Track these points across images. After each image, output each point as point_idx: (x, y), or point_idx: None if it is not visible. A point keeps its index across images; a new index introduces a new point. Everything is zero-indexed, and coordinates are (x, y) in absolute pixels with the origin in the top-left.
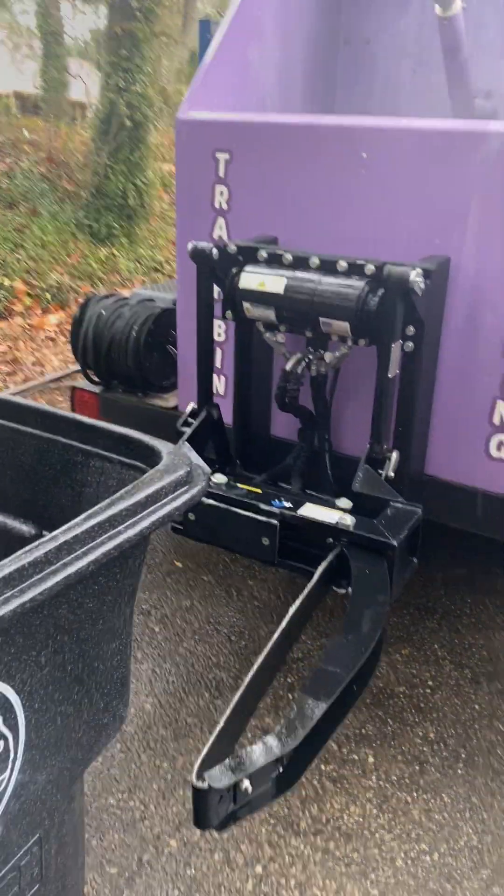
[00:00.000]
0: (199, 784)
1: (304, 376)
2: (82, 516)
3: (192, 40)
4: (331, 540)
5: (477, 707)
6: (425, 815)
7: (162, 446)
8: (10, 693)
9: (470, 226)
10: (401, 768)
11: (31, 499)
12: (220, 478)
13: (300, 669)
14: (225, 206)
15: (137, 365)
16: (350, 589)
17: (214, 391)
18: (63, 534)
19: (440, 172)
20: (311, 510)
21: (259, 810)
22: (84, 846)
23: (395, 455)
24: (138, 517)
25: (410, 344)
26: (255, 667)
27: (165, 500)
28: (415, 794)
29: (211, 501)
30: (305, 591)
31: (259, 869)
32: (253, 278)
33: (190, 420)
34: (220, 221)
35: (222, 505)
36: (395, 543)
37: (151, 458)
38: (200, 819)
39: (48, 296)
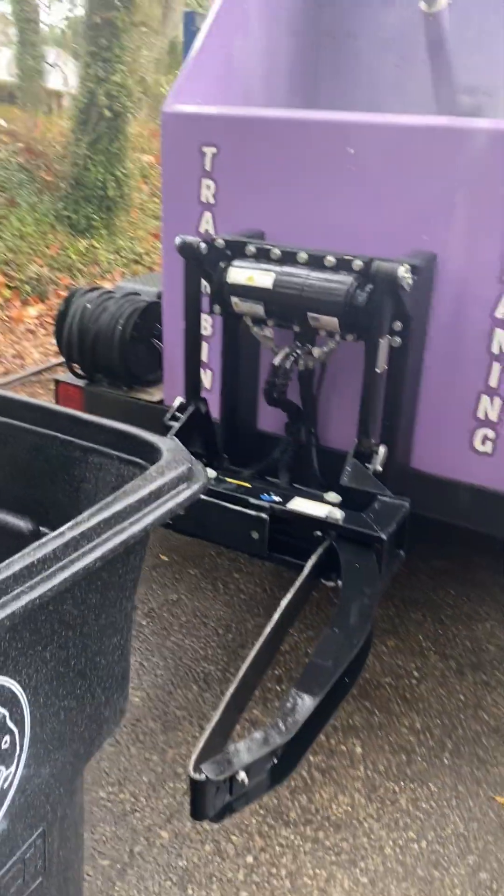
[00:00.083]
0: (197, 776)
1: (293, 371)
2: (88, 512)
3: (171, 30)
4: (320, 533)
5: (462, 697)
6: (413, 803)
7: (162, 443)
8: (17, 688)
9: (455, 222)
10: (388, 758)
11: (28, 494)
12: (209, 472)
13: (287, 662)
14: (211, 200)
15: (122, 359)
16: (339, 582)
17: (201, 385)
18: (70, 530)
19: (426, 168)
20: (300, 504)
21: (254, 801)
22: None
23: (382, 449)
24: (142, 513)
25: (398, 339)
26: (248, 661)
27: (168, 496)
28: (402, 783)
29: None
30: (296, 584)
31: (250, 859)
32: (241, 273)
33: (178, 414)
34: (207, 215)
35: (212, 499)
36: (383, 536)
37: (151, 454)
38: (198, 810)
39: (27, 288)
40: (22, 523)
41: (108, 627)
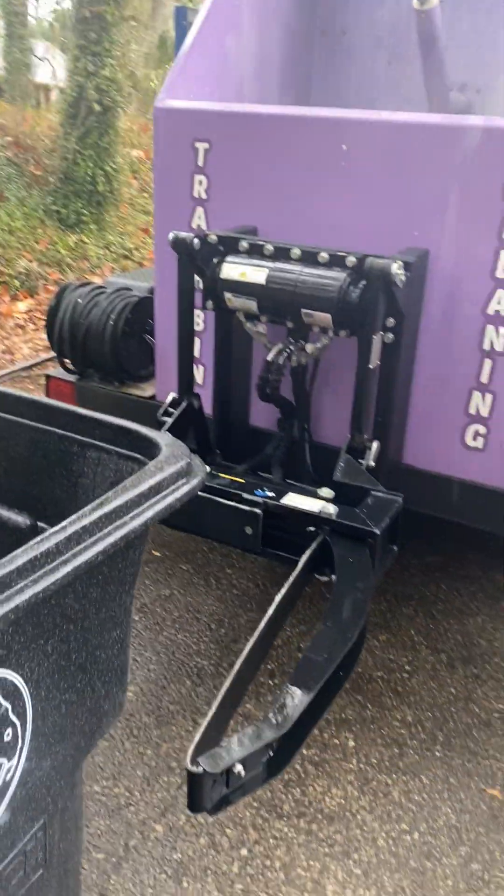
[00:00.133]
0: (194, 768)
1: (286, 367)
2: (89, 507)
3: (161, 25)
4: (313, 529)
5: (453, 690)
6: (405, 796)
7: (160, 438)
8: (20, 682)
9: (448, 219)
10: (380, 751)
11: (25, 490)
12: None
13: (280, 656)
14: (204, 196)
15: (114, 354)
16: (333, 577)
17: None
18: (72, 524)
19: (419, 165)
20: (294, 499)
21: (250, 793)
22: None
23: (375, 445)
24: (142, 508)
25: (391, 335)
26: (243, 655)
27: (167, 490)
28: (394, 775)
29: None
30: (290, 579)
31: (244, 852)
32: (234, 269)
33: (170, 410)
34: (199, 211)
35: (205, 494)
36: (377, 531)
37: (150, 449)
38: (195, 803)
39: (17, 283)
40: (20, 518)
41: (109, 621)
